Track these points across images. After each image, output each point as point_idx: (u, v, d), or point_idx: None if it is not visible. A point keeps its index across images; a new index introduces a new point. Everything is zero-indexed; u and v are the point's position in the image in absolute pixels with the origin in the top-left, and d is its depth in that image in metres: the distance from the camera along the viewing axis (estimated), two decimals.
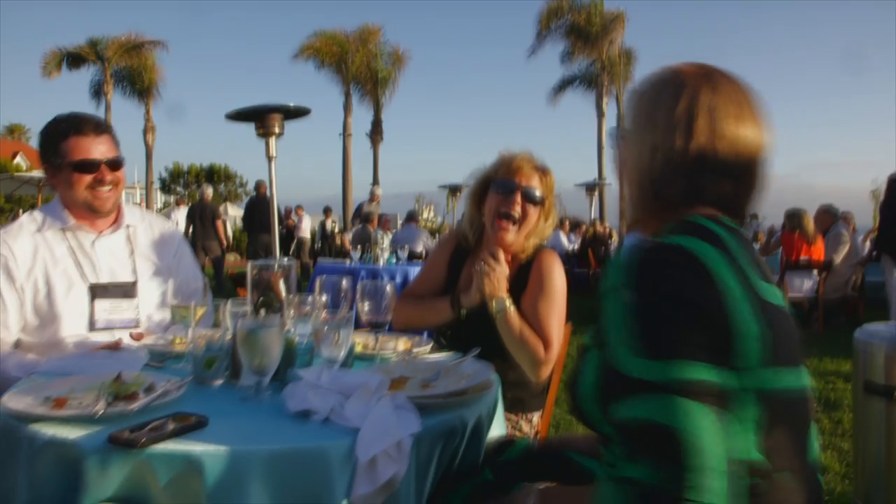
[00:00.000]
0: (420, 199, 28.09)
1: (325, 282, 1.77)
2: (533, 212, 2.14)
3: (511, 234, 2.12)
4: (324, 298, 1.73)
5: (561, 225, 15.38)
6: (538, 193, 2.15)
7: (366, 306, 1.76)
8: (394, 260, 6.52)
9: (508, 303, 2.03)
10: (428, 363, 1.69)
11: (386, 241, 6.44)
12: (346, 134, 25.77)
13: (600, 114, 25.82)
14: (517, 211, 2.10)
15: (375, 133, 26.04)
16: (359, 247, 6.63)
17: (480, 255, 2.09)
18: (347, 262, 6.52)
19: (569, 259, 12.45)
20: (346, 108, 25.80)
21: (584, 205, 21.68)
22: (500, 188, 2.14)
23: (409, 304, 2.28)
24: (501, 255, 2.06)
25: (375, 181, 25.92)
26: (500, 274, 2.02)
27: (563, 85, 26.26)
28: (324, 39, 24.96)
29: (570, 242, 14.54)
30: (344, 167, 25.90)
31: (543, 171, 2.20)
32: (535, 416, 2.21)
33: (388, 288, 1.76)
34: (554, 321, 2.08)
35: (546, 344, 2.04)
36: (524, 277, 2.16)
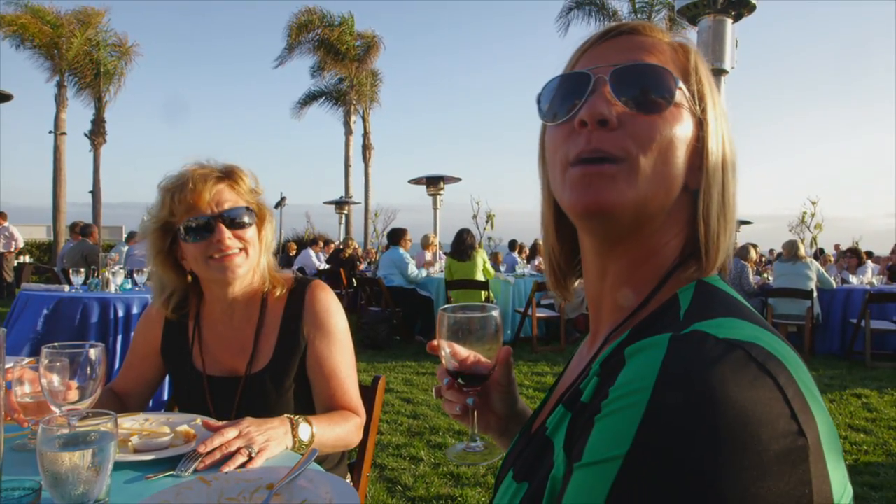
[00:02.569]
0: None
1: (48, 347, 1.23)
2: (248, 231, 1.70)
3: (243, 266, 1.69)
4: (55, 382, 1.20)
5: (313, 243, 14.97)
6: (241, 207, 1.68)
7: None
8: (129, 285, 5.56)
9: (308, 434, 1.48)
10: (245, 477, 1.18)
11: (122, 256, 5.49)
12: (58, 132, 22.13)
13: (348, 131, 26.05)
14: (232, 246, 1.66)
15: (97, 133, 22.83)
16: (81, 270, 5.51)
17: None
18: (66, 288, 5.38)
19: (319, 277, 12.11)
20: (60, 100, 22.19)
21: (334, 220, 21.65)
22: (193, 235, 1.64)
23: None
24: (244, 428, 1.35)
25: (96, 188, 22.77)
26: (267, 435, 1.37)
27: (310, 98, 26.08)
28: (30, 14, 21.18)
29: (319, 261, 14.17)
30: (55, 170, 22.19)
31: (229, 175, 1.72)
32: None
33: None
34: (351, 381, 1.77)
35: (355, 411, 1.74)
36: (297, 310, 1.77)
